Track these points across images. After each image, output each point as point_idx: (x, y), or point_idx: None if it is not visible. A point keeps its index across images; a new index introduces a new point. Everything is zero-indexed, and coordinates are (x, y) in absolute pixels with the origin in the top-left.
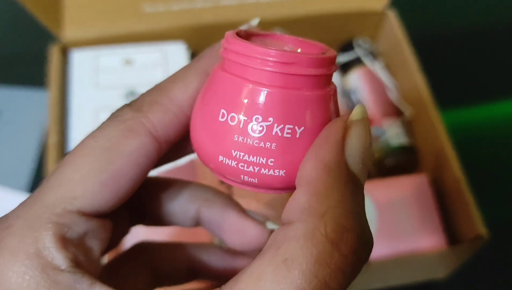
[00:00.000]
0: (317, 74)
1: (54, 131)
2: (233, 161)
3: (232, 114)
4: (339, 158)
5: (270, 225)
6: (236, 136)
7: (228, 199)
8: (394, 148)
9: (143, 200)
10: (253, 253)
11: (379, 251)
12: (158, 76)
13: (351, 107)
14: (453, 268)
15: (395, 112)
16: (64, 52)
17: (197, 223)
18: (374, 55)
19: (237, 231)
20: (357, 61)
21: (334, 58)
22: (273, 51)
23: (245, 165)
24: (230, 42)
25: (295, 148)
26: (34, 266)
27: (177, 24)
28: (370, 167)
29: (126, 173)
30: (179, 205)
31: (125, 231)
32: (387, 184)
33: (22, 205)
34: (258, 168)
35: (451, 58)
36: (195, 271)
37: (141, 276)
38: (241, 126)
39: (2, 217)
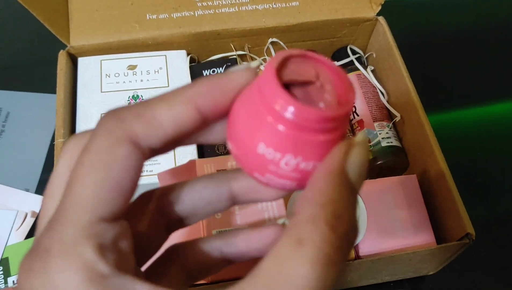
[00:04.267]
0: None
1: (61, 133)
2: (263, 178)
3: (270, 149)
4: (341, 167)
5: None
6: (271, 167)
7: None
8: (385, 149)
9: (176, 205)
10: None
11: (369, 248)
12: (160, 81)
13: None
14: (442, 264)
15: (386, 115)
16: (72, 59)
17: (233, 201)
18: (366, 60)
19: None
20: (350, 67)
21: (349, 111)
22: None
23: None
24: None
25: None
26: (84, 279)
27: (178, 32)
28: (365, 178)
29: (124, 177)
30: (212, 193)
31: (163, 239)
32: (378, 183)
33: (50, 230)
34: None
35: (435, 63)
36: (227, 258)
37: (176, 276)
38: (275, 161)
39: (34, 245)
